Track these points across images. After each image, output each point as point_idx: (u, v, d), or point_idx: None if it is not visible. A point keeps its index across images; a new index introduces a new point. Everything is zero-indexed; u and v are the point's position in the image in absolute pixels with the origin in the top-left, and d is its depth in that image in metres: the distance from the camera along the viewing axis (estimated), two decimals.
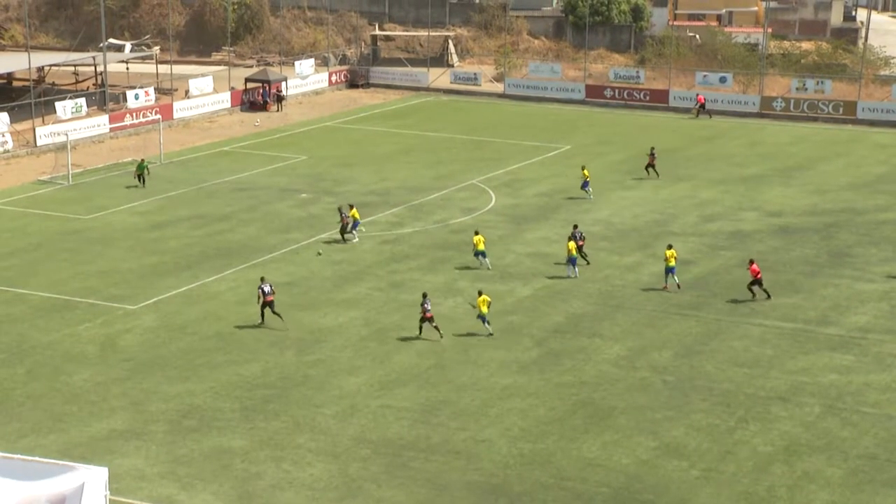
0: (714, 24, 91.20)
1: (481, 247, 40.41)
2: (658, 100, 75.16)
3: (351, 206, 44.17)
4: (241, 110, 71.38)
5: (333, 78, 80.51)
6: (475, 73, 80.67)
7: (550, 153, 60.88)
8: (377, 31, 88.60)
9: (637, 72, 78.64)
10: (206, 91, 70.02)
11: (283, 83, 73.83)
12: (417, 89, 79.98)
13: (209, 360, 32.07)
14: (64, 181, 52.01)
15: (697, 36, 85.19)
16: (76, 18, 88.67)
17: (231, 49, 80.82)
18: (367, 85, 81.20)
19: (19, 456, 20.26)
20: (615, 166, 58.05)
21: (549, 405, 29.65)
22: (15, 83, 71.86)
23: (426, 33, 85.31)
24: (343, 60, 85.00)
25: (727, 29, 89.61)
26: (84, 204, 48.36)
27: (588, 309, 36.95)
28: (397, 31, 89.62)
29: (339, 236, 43.43)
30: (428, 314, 33.76)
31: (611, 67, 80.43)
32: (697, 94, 73.12)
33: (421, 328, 33.97)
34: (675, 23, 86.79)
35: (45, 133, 58.93)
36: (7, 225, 45.10)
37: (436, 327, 33.89)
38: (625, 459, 26.81)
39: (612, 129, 68.15)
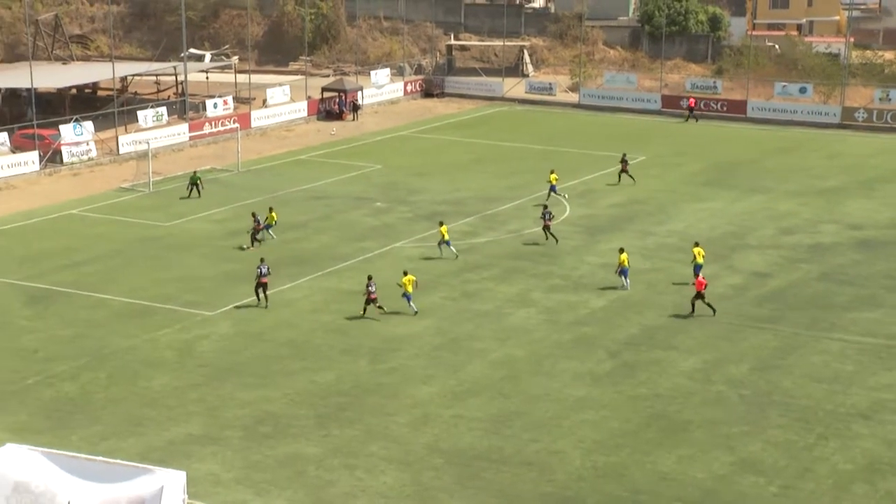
0: (794, 33, 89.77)
1: (447, 236, 42.15)
2: (735, 110, 74.22)
3: (270, 209, 45.11)
4: (318, 119, 72.10)
5: (408, 87, 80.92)
6: (550, 83, 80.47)
7: None
8: (452, 41, 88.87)
9: (714, 82, 77.77)
10: (284, 100, 70.85)
11: (359, 92, 74.43)
12: (492, 99, 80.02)
13: (284, 367, 32.40)
14: (145, 189, 53.01)
15: (777, 46, 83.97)
16: (158, 29, 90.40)
17: (308, 59, 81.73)
18: (442, 94, 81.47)
19: (101, 458, 20.68)
20: (691, 177, 57.45)
21: (622, 417, 29.40)
22: (99, 93, 73.49)
23: (501, 43, 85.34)
24: (418, 70, 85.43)
25: (808, 38, 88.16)
26: (163, 211, 49.23)
27: (663, 321, 36.58)
28: (472, 41, 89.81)
29: (252, 241, 43.70)
30: (372, 296, 35.84)
31: (687, 77, 79.66)
32: (689, 98, 73.45)
33: (365, 309, 35.93)
34: (754, 32, 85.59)
35: (128, 141, 60.16)
36: (90, 231, 46.10)
37: (379, 307, 36.01)
38: (700, 474, 26.46)
39: (688, 140, 67.45)
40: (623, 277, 39.39)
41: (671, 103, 75.50)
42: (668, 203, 51.84)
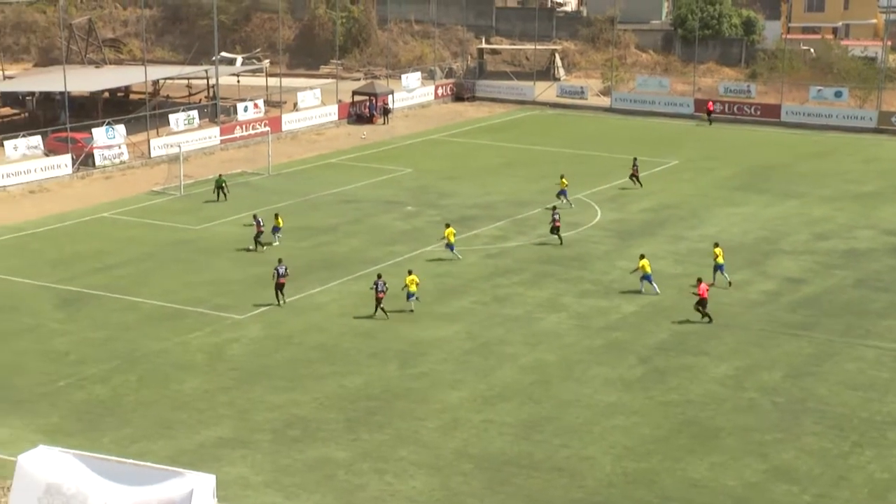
0: (830, 36, 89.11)
1: (452, 239, 42.47)
2: (769, 115, 73.76)
3: (276, 215, 45.27)
4: (348, 123, 72.32)
5: (439, 91, 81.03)
6: (582, 87, 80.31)
7: (657, 168, 60.20)
8: (483, 45, 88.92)
9: (748, 86, 77.35)
10: (314, 104, 71.13)
11: (390, 96, 74.60)
12: (523, 103, 79.96)
13: (313, 371, 32.49)
14: (176, 192, 53.37)
15: (812, 49, 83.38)
16: (190, 33, 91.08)
17: (339, 62, 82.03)
18: (473, 98, 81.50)
19: (131, 461, 20.80)
20: (723, 182, 57.15)
21: (653, 424, 29.26)
22: (132, 96, 74.08)
23: (533, 47, 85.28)
24: (449, 74, 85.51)
25: (844, 42, 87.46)
26: (194, 214, 49.54)
27: (694, 326, 36.38)
28: (504, 45, 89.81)
29: (256, 244, 43.88)
30: (380, 295, 36.09)
31: (720, 81, 79.26)
32: (708, 102, 73.42)
33: (377, 309, 36.28)
34: (789, 36, 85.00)
35: (159, 144, 60.60)
36: (121, 234, 46.47)
37: (382, 308, 36.22)
38: (732, 482, 26.28)
39: (721, 145, 67.09)
40: (648, 283, 39.23)
41: (704, 107, 75.10)
42: (700, 207, 51.59)
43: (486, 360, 33.48)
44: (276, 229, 44.98)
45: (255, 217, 44.94)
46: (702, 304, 36.49)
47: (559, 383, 31.85)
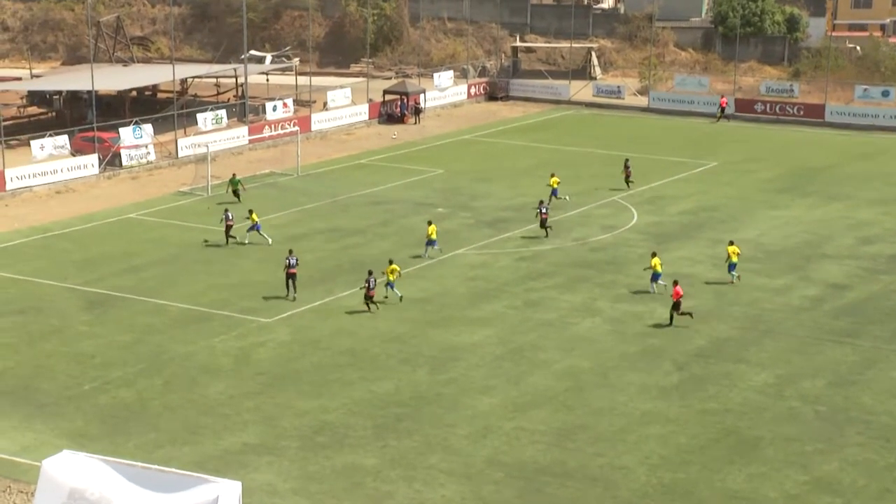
0: (878, 34, 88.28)
1: (434, 236, 43.32)
2: (813, 115, 73.20)
3: (250, 211, 45.47)
4: (379, 122, 72.48)
5: (472, 90, 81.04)
6: (618, 86, 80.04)
7: (696, 170, 59.92)
8: (518, 43, 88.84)
9: (791, 85, 76.80)
10: (344, 103, 71.34)
11: (422, 95, 74.69)
12: (558, 102, 79.82)
13: (342, 377, 32.59)
14: (203, 192, 53.70)
15: (858, 47, 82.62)
16: (219, 31, 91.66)
17: (370, 61, 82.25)
18: (507, 97, 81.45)
19: (156, 467, 20.95)
20: (765, 184, 56.78)
21: (690, 433, 29.11)
22: (159, 95, 74.63)
23: (568, 45, 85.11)
24: (482, 72, 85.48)
25: (892, 39, 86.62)
26: (221, 216, 49.69)
27: (733, 333, 36.17)
28: (538, 43, 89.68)
29: (227, 238, 44.92)
30: (371, 292, 36.91)
31: (762, 80, 78.73)
32: (721, 97, 73.47)
33: (368, 305, 37.17)
34: (834, 33, 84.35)
35: (187, 144, 61.01)
36: (148, 235, 46.83)
37: (374, 302, 37.19)
38: (772, 493, 26.09)
39: (763, 146, 66.67)
40: (656, 282, 39.47)
41: (745, 107, 74.67)
42: (740, 210, 51.28)
43: (519, 366, 33.44)
44: (254, 227, 45.25)
45: (225, 211, 45.66)
46: (676, 306, 36.50)
47: (593, 390, 31.75)
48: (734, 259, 40.42)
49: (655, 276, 39.56)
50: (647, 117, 75.68)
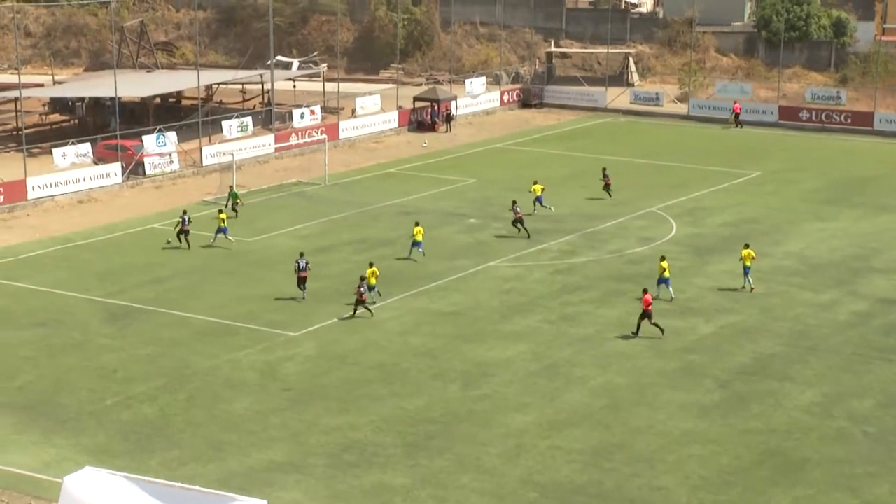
0: None
1: (419, 237, 44.36)
2: (861, 123, 72.71)
3: (220, 211, 47.16)
4: (409, 130, 72.65)
5: (505, 97, 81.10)
6: (657, 93, 79.85)
7: (738, 180, 59.64)
8: (553, 48, 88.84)
9: (837, 92, 76.33)
10: (373, 110, 71.57)
11: (453, 102, 74.82)
12: (594, 110, 79.71)
13: (370, 392, 32.62)
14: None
15: None
16: (245, 36, 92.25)
17: (400, 66, 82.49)
18: (541, 105, 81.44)
19: (180, 484, 21.04)
20: (810, 195, 56.44)
21: (733, 453, 28.92)
22: (184, 102, 75.16)
23: (605, 50, 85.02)
24: (516, 79, 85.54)
25: None
26: (247, 226, 50.05)
27: (777, 350, 35.93)
28: (574, 48, 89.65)
29: (178, 238, 46.17)
30: (362, 297, 37.67)
31: (808, 87, 78.31)
32: (734, 102, 73.79)
33: (355, 310, 37.86)
34: (883, 38, 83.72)
35: (212, 153, 61.39)
36: (170, 246, 47.05)
37: (367, 308, 37.93)
38: None
39: (808, 155, 66.30)
40: (664, 286, 39.85)
41: (789, 115, 74.29)
42: (784, 222, 50.99)
43: (553, 383, 33.36)
44: (221, 230, 46.42)
45: (184, 213, 46.73)
46: (647, 315, 36.50)
47: (631, 408, 31.62)
48: (748, 263, 40.84)
49: (662, 281, 39.93)
50: (687, 125, 75.43)
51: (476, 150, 67.77)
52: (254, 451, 28.97)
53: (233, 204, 51.08)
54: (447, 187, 57.61)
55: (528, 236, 47.19)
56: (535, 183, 52.02)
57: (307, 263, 40.01)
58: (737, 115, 73.85)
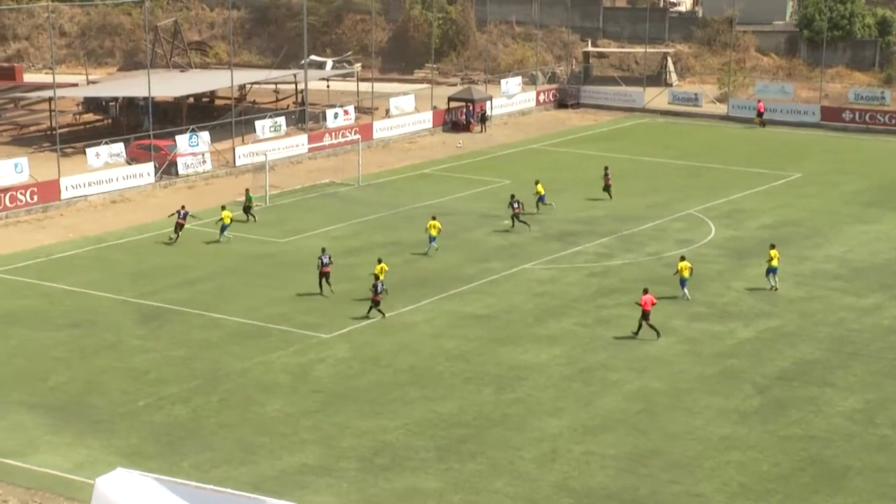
0: None
1: (434, 232, 45.35)
2: None
3: (223, 207, 48.20)
4: (443, 131, 72.72)
5: (541, 97, 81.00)
6: (696, 93, 79.48)
7: (778, 181, 59.26)
8: (590, 48, 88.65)
9: (882, 92, 75.68)
10: (408, 110, 71.70)
11: (488, 102, 74.82)
12: (632, 110, 79.45)
13: (403, 396, 32.69)
14: (261, 203, 54.25)
15: None
16: (279, 35, 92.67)
17: (434, 66, 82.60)
18: (577, 105, 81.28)
19: (212, 487, 21.14)
20: (853, 197, 55.99)
21: (772, 460, 28.74)
22: (217, 102, 75.63)
23: (643, 50, 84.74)
24: (552, 79, 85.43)
25: None
26: (279, 227, 50.30)
27: (819, 355, 35.67)
28: (611, 48, 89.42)
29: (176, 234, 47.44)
30: (377, 297, 38.02)
31: (851, 87, 77.69)
32: (758, 101, 73.76)
33: (370, 310, 38.27)
34: None
35: (244, 153, 61.74)
36: (203, 247, 47.41)
37: (380, 310, 38.23)
38: None
39: (851, 156, 65.78)
40: (684, 287, 40.15)
41: (832, 115, 73.73)
42: (825, 225, 50.63)
43: (588, 387, 33.29)
44: (223, 227, 47.33)
45: (182, 207, 48.03)
46: (644, 317, 36.52)
47: (667, 413, 31.50)
48: (774, 263, 41.16)
49: (683, 282, 40.11)
50: (726, 126, 75.03)
51: (511, 150, 67.74)
52: (285, 453, 29.11)
53: (246, 206, 50.95)
54: (481, 188, 57.61)
55: (513, 226, 49.00)
56: (538, 183, 52.56)
57: (330, 258, 40.87)
58: (760, 114, 73.67)
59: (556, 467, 28.41)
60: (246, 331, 37.70)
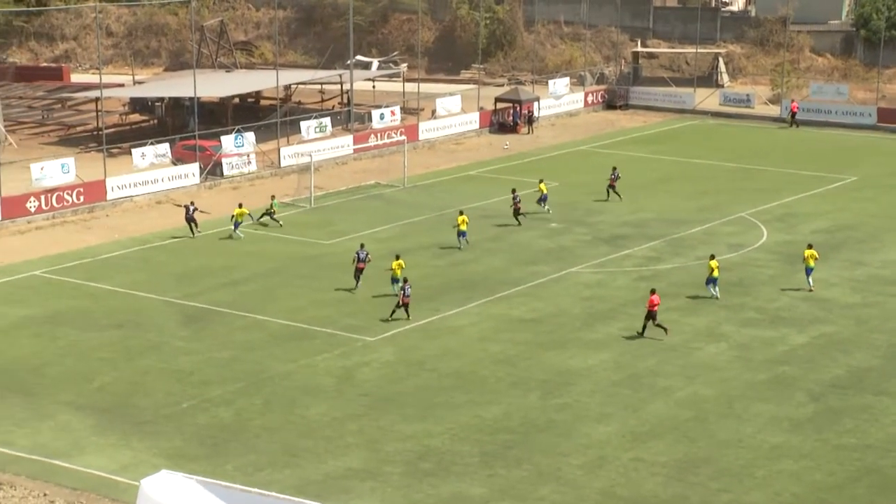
0: None
1: (464, 227, 46.40)
2: None
3: (240, 205, 49.03)
4: (490, 132, 72.70)
5: (589, 98, 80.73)
6: (748, 95, 78.85)
7: (833, 185, 58.65)
8: (639, 48, 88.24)
9: None
10: (454, 111, 71.74)
11: (535, 103, 74.69)
12: (682, 111, 78.99)
13: (448, 400, 32.69)
14: (305, 204, 54.54)
15: None
16: (324, 35, 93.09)
17: (481, 67, 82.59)
18: (626, 106, 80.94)
19: (256, 490, 21.27)
20: None
21: (826, 470, 28.44)
22: (262, 102, 76.11)
23: (694, 50, 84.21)
24: (600, 79, 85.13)
25: None
26: (324, 228, 50.51)
27: (874, 362, 35.26)
28: (661, 48, 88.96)
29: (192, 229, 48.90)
30: (405, 299, 38.06)
31: None
32: (792, 101, 73.76)
33: (394, 311, 38.40)
34: None
35: (289, 154, 62.07)
36: (247, 248, 47.72)
37: (406, 311, 38.26)
38: None
39: None
40: (711, 286, 40.32)
41: (889, 117, 72.84)
42: (882, 229, 50.04)
43: (637, 393, 33.13)
44: (237, 224, 48.32)
45: (191, 203, 49.52)
46: (651, 316, 36.67)
47: (717, 420, 31.27)
48: (811, 263, 41.09)
49: (710, 281, 40.45)
50: (779, 128, 74.38)
51: (558, 152, 67.57)
52: (329, 457, 29.21)
53: (268, 212, 50.80)
54: (529, 190, 57.43)
55: (519, 223, 50.09)
56: (541, 182, 52.92)
57: (367, 255, 41.41)
58: (793, 115, 73.32)
59: (604, 474, 28.29)
60: (290, 333, 37.89)
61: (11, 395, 32.80)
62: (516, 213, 50.35)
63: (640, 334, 37.11)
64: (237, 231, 48.60)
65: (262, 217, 50.83)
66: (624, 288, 42.42)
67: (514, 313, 39.66)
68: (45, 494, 27.12)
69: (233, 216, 48.93)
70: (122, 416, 31.60)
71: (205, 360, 35.63)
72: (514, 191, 51.04)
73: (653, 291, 37.35)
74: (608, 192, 55.06)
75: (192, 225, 48.84)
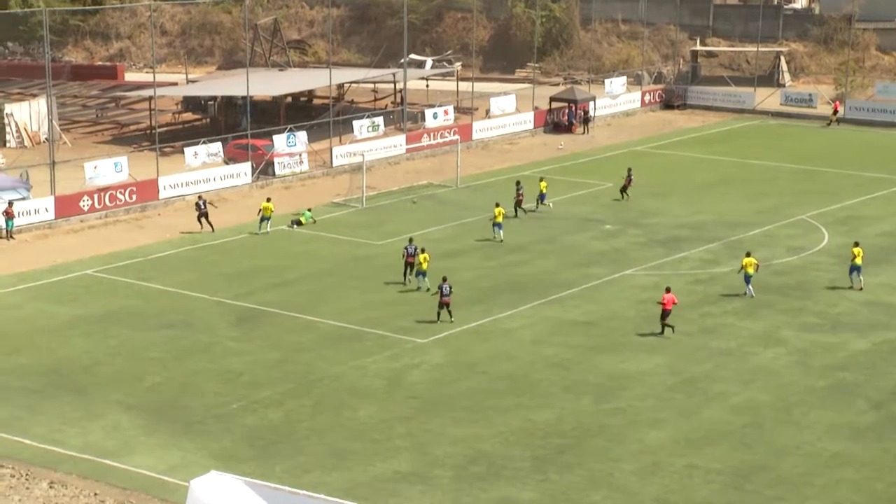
0: None
1: (500, 219, 47.35)
2: None
3: (268, 199, 50.22)
4: (545, 132, 72.59)
5: (646, 98, 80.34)
6: (810, 94, 78.02)
7: None
8: (698, 47, 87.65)
9: None
10: (508, 111, 71.72)
11: (591, 103, 74.46)
12: (741, 111, 78.36)
13: (499, 403, 32.69)
14: (357, 204, 54.78)
15: None
16: (378, 34, 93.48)
17: (536, 65, 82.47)
18: (684, 106, 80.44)
19: (304, 492, 21.40)
20: None
21: (889, 479, 28.08)
22: (315, 101, 76.55)
23: (754, 49, 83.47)
24: (658, 79, 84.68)
25: None
26: (375, 229, 50.71)
27: None
28: (721, 47, 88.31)
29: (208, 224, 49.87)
30: (445, 299, 37.94)
31: None
32: (835, 101, 73.54)
33: (439, 314, 38.29)
34: None
35: (342, 153, 62.37)
36: (299, 249, 48.03)
37: (450, 312, 38.20)
38: None
39: None
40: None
41: None
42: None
43: (692, 398, 32.91)
44: (264, 218, 49.38)
45: (199, 197, 51.03)
46: (663, 315, 37.06)
47: (775, 427, 30.99)
48: (858, 261, 41.16)
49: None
50: (843, 129, 73.53)
51: (614, 152, 67.30)
52: (378, 460, 29.32)
53: (295, 220, 50.93)
54: (583, 191, 57.34)
55: (516, 215, 51.22)
56: (542, 180, 53.79)
57: (416, 249, 41.65)
58: (835, 113, 73.32)
59: (658, 481, 28.14)
60: (340, 334, 38.08)
61: (63, 394, 33.29)
62: (517, 205, 51.48)
63: (661, 333, 37.39)
64: (267, 225, 49.23)
65: (291, 224, 50.92)
66: (680, 291, 42.06)
67: (567, 316, 39.57)
68: (95, 494, 27.47)
69: (259, 210, 49.51)
70: (172, 417, 31.94)
71: (255, 360, 35.92)
72: (518, 183, 52.46)
73: (667, 290, 37.51)
74: (622, 193, 55.20)
75: (206, 220, 49.64)
